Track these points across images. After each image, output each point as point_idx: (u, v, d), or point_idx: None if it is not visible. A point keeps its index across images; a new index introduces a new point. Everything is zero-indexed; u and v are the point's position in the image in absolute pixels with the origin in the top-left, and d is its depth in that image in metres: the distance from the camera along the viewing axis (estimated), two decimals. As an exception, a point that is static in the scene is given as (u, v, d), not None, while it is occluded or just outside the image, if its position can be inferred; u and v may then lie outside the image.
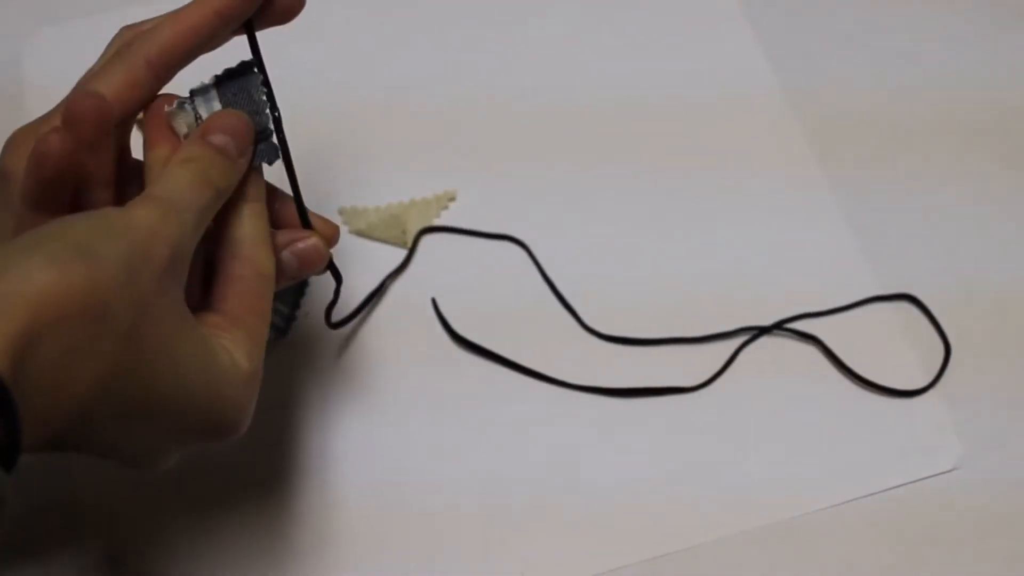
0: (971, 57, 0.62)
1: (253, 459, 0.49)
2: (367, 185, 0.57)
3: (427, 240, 0.56)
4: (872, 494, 0.50)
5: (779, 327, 0.53)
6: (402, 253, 0.55)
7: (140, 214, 0.35)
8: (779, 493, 0.50)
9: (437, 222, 0.56)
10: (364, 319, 0.53)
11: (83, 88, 0.40)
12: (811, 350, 0.53)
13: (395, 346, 0.53)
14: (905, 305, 0.54)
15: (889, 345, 0.53)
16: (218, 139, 0.39)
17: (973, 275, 0.55)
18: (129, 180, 0.41)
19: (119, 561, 0.48)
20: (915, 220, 0.57)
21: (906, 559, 0.48)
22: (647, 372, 0.52)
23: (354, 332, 0.53)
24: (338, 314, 0.48)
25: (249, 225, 0.40)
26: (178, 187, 0.37)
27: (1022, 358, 0.53)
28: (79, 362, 0.32)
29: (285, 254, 0.42)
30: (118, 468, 0.37)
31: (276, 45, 0.62)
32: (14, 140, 0.40)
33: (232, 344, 0.38)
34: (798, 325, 0.54)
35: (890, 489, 0.50)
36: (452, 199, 0.57)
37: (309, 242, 0.42)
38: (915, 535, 0.49)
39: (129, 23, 0.42)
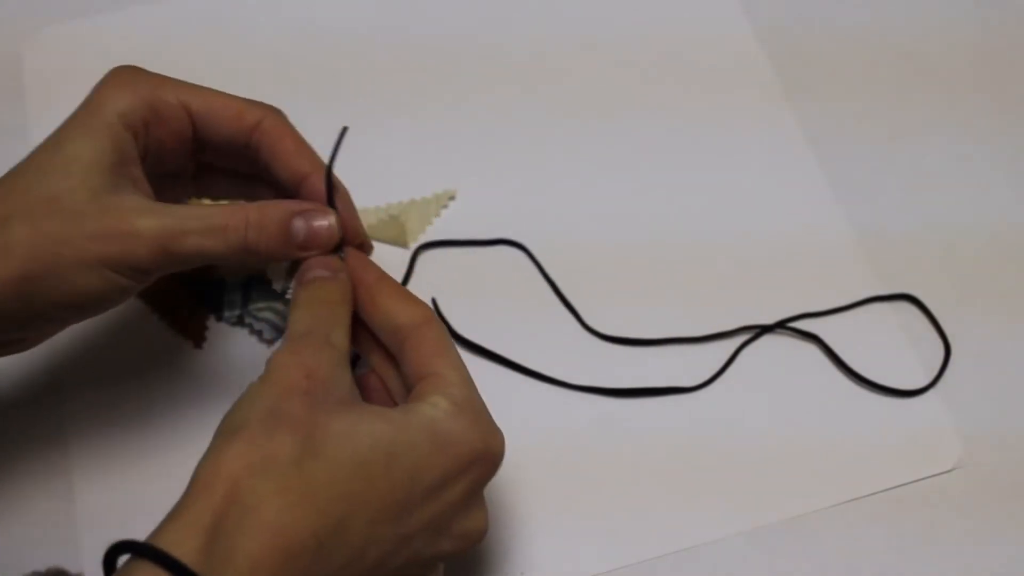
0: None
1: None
2: (366, 185, 0.57)
3: (426, 239, 0.56)
4: (872, 494, 0.50)
5: (780, 326, 0.53)
6: (403, 256, 0.55)
7: (271, 363, 0.39)
8: (779, 493, 0.50)
9: (437, 221, 0.56)
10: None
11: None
12: (811, 350, 0.53)
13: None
14: (905, 305, 0.54)
15: (889, 345, 0.53)
16: (311, 273, 0.43)
17: (973, 274, 0.55)
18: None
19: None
20: (916, 220, 0.57)
21: (906, 559, 0.48)
22: (647, 372, 0.52)
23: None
24: None
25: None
26: (294, 325, 0.40)
27: (1022, 358, 0.53)
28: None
29: (297, 222, 0.43)
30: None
31: (274, 45, 0.62)
32: (120, 80, 0.43)
33: (424, 398, 0.39)
34: (798, 325, 0.54)
35: (890, 489, 0.50)
36: (452, 198, 0.57)
37: (325, 221, 0.43)
38: (915, 535, 0.49)
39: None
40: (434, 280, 0.55)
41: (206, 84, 0.45)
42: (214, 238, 0.41)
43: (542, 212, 0.57)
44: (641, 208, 0.57)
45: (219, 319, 0.53)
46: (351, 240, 0.45)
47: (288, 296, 0.45)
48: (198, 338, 0.53)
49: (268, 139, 0.45)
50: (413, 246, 0.55)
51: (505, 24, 0.63)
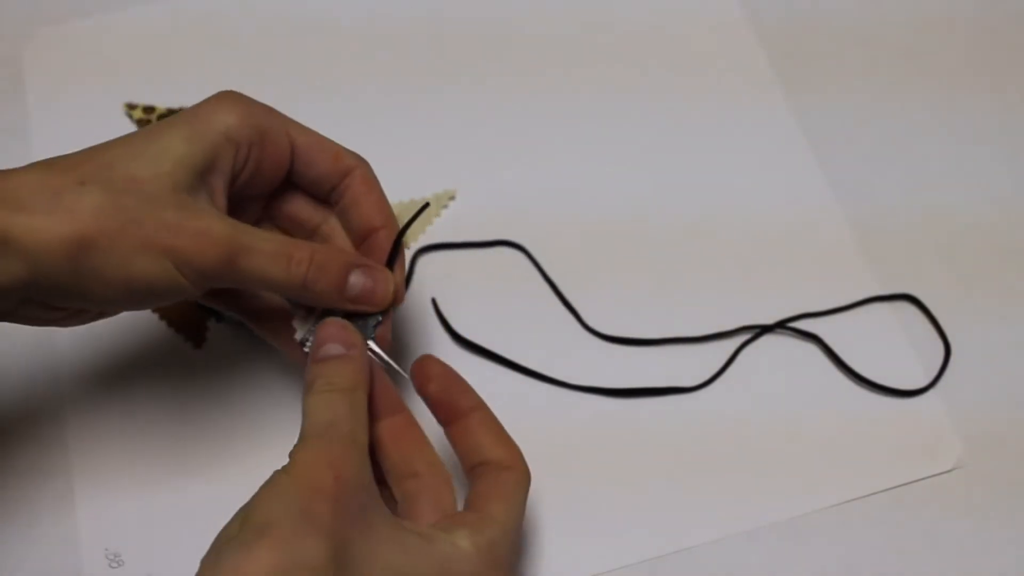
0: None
1: (255, 459, 0.48)
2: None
3: (427, 239, 0.56)
4: (872, 494, 0.50)
5: (780, 326, 0.53)
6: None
7: (298, 458, 0.38)
8: (779, 493, 0.50)
9: (437, 221, 0.56)
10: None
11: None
12: (811, 350, 0.53)
13: (395, 346, 0.53)
14: (905, 305, 0.54)
15: (889, 345, 0.53)
16: (325, 350, 0.42)
17: (973, 274, 0.55)
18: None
19: (117, 564, 0.48)
20: (916, 217, 0.57)
21: (906, 559, 0.48)
22: (647, 372, 0.52)
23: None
24: None
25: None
26: (315, 415, 0.40)
27: (1022, 358, 0.53)
28: None
29: (355, 276, 0.44)
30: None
31: (273, 45, 0.62)
32: (233, 99, 0.43)
33: (454, 531, 0.40)
34: (798, 325, 0.54)
35: (890, 489, 0.50)
36: (452, 198, 0.57)
37: (383, 282, 0.44)
38: (915, 535, 0.49)
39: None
40: (434, 281, 0.55)
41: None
42: (278, 265, 0.42)
43: (542, 211, 0.57)
44: (641, 208, 0.57)
45: (219, 319, 0.53)
46: (394, 302, 0.46)
47: (306, 349, 0.45)
48: (198, 338, 0.53)
49: (357, 186, 0.46)
50: (413, 247, 0.55)
51: (504, 23, 0.63)
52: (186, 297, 0.41)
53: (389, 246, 0.46)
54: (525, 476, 0.43)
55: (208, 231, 0.40)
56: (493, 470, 0.43)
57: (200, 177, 0.41)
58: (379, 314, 0.45)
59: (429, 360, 0.45)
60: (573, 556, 0.48)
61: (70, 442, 0.50)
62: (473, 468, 0.44)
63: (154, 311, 0.53)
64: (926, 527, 0.49)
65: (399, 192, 0.57)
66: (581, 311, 0.54)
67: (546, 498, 0.49)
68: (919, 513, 0.49)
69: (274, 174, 0.45)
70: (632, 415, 0.51)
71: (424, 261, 0.55)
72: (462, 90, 0.61)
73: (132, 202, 0.39)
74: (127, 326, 0.53)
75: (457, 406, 0.44)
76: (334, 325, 0.43)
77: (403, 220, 0.56)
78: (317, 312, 0.46)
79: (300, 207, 0.47)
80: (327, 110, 0.59)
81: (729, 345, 0.53)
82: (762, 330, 0.53)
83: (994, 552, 0.48)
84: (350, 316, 0.45)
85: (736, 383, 0.52)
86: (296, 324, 0.46)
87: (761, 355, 0.53)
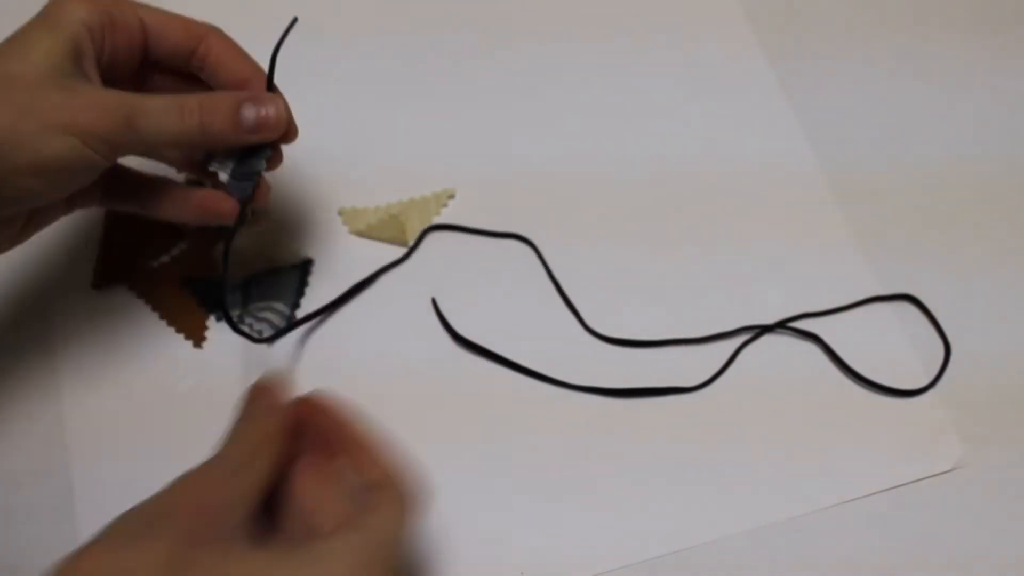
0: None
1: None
2: (366, 185, 0.57)
3: (427, 238, 0.56)
4: (872, 494, 0.50)
5: (780, 326, 0.53)
6: (403, 252, 0.55)
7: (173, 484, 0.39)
8: (778, 493, 0.50)
9: (437, 220, 0.56)
10: (364, 319, 0.53)
11: None
12: (812, 350, 0.53)
13: (395, 346, 0.53)
14: (905, 305, 0.54)
15: (889, 345, 0.53)
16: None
17: (973, 274, 0.55)
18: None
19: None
20: (916, 221, 0.57)
21: (906, 559, 0.48)
22: (647, 372, 0.52)
23: (354, 332, 0.53)
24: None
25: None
26: (229, 441, 0.41)
27: (1022, 358, 0.53)
28: None
29: (247, 107, 0.45)
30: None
31: (275, 44, 0.62)
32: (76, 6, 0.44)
33: (329, 540, 0.38)
34: (798, 325, 0.54)
35: (890, 489, 0.50)
36: (451, 197, 0.57)
37: (272, 106, 0.46)
38: (915, 535, 0.49)
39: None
40: (434, 272, 0.55)
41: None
42: (172, 117, 0.43)
43: (541, 211, 0.57)
44: (641, 207, 0.57)
45: (219, 319, 0.53)
46: (289, 131, 0.47)
47: (222, 178, 0.47)
48: (198, 338, 0.53)
49: (215, 49, 0.47)
50: (413, 236, 0.55)
51: (499, 19, 0.63)
52: (98, 170, 0.43)
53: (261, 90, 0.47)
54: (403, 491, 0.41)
55: (100, 101, 0.42)
56: (371, 489, 0.40)
57: (73, 63, 0.43)
58: (270, 147, 0.47)
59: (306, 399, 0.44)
60: (573, 556, 0.48)
61: (70, 442, 0.50)
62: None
63: (153, 310, 0.53)
64: (926, 527, 0.49)
65: (399, 192, 0.57)
66: (581, 310, 0.54)
67: (546, 498, 0.49)
68: (919, 513, 0.49)
69: (130, 54, 0.46)
70: (632, 415, 0.51)
71: (425, 258, 0.55)
72: (460, 88, 0.60)
73: (19, 96, 0.41)
74: (127, 326, 0.53)
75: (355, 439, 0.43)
76: (262, 389, 0.43)
77: (404, 220, 0.56)
78: (223, 151, 0.47)
79: (167, 86, 0.48)
80: (326, 109, 0.59)
81: (729, 345, 0.53)
82: (762, 330, 0.53)
83: (993, 552, 0.49)
84: (245, 156, 0.47)
85: (736, 383, 0.52)
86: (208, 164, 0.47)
87: (761, 355, 0.53)
